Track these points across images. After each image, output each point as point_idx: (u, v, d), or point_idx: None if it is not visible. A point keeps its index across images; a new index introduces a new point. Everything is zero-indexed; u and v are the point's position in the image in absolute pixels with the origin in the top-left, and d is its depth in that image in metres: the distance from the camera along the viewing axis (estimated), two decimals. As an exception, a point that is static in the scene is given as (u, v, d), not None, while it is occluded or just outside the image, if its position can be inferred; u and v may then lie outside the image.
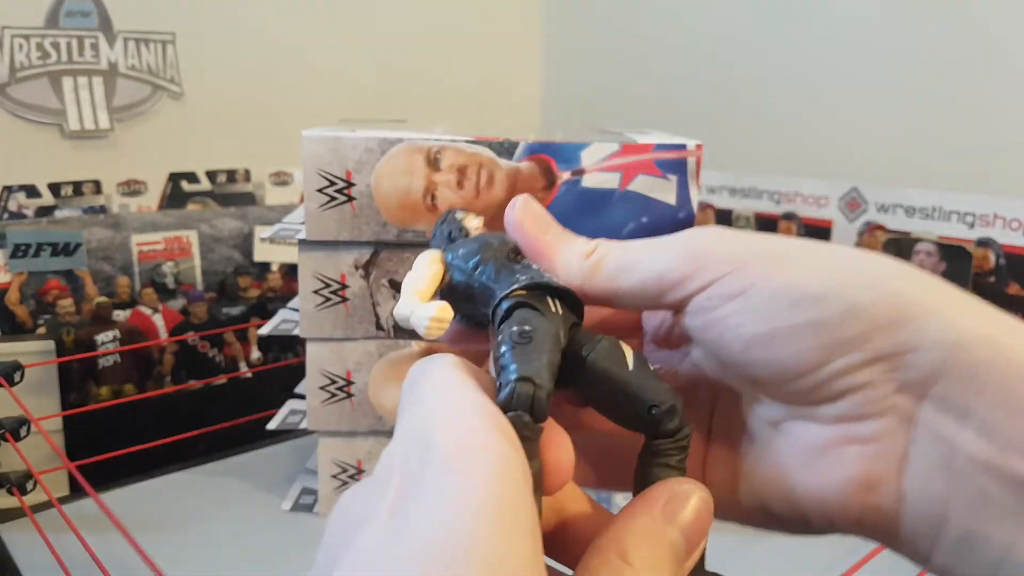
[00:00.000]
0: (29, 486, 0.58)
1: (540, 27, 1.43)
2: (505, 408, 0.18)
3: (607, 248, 0.24)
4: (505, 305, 0.21)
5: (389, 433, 0.60)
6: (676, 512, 0.19)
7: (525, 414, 0.18)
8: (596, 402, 0.22)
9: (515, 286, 0.22)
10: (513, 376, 0.18)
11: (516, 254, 0.25)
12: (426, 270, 0.24)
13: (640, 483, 0.21)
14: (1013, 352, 0.18)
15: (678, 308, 0.22)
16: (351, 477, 0.61)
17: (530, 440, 0.18)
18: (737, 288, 0.20)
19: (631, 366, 0.21)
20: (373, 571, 0.14)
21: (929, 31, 0.96)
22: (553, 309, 0.21)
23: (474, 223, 0.27)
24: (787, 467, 0.22)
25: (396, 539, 0.15)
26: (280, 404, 0.66)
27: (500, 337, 0.20)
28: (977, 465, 0.18)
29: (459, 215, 0.27)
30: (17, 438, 0.58)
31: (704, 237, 0.22)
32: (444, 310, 0.22)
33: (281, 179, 1.08)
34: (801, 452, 0.21)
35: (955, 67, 0.94)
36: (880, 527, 0.20)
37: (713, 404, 0.25)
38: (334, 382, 0.59)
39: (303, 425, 0.62)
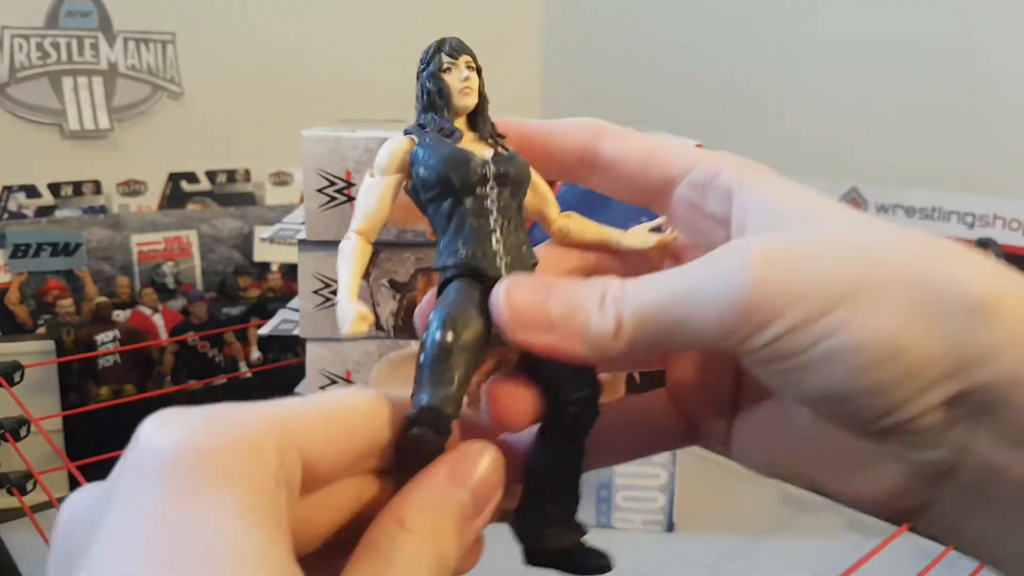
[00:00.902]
0: (29, 486, 0.58)
1: (540, 27, 1.43)
2: (411, 425, 0.19)
3: (632, 305, 0.19)
4: (443, 277, 0.21)
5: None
6: (464, 473, 0.19)
7: (428, 432, 0.19)
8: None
9: (450, 263, 0.21)
10: (423, 402, 0.19)
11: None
12: (378, 190, 0.22)
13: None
14: None
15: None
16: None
17: (435, 445, 0.19)
18: (809, 342, 0.18)
19: None
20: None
21: (929, 31, 0.96)
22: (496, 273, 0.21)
23: (459, 80, 0.22)
24: (821, 464, 0.21)
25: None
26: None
27: (422, 337, 0.20)
28: (1021, 489, 0.18)
29: (445, 62, 0.23)
30: (17, 438, 0.58)
31: (771, 271, 0.18)
32: (361, 320, 0.20)
33: (281, 179, 1.08)
34: (841, 458, 0.21)
35: (955, 68, 0.94)
36: (904, 519, 0.21)
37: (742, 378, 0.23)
38: (334, 382, 0.59)
39: (303, 425, 0.62)
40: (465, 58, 0.23)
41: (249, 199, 1.06)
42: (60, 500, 0.54)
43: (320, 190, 0.55)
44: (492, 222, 0.21)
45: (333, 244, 0.56)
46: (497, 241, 0.21)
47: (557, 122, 0.24)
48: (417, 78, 0.23)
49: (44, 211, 0.92)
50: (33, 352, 0.73)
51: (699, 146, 0.56)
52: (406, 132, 0.23)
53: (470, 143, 0.22)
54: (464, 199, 0.21)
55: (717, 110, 1.18)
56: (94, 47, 0.96)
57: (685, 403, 0.25)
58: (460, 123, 0.23)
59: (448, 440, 0.20)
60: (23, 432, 0.59)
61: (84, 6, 0.94)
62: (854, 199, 1.00)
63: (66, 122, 0.95)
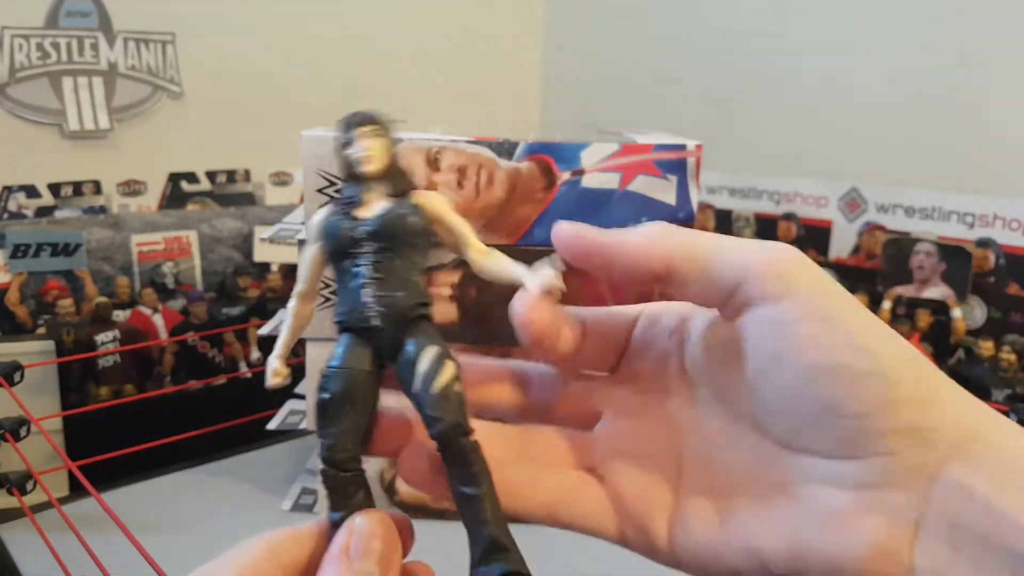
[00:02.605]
0: (29, 486, 0.58)
1: (540, 27, 1.43)
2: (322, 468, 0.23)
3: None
4: (336, 326, 0.25)
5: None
6: (356, 545, 0.22)
7: (331, 470, 0.23)
8: None
9: (335, 319, 0.25)
10: (320, 452, 0.23)
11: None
12: (308, 257, 0.26)
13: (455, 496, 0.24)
14: (1010, 448, 0.21)
15: (740, 309, 0.23)
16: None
17: (342, 480, 0.23)
18: (818, 314, 0.21)
19: (417, 384, 0.23)
20: None
21: (929, 32, 0.96)
22: (375, 323, 0.24)
23: (359, 151, 0.25)
24: (799, 528, 0.22)
25: None
26: (280, 404, 0.66)
27: (318, 388, 0.24)
28: (979, 540, 0.19)
29: (345, 138, 0.25)
30: (17, 438, 0.58)
31: (782, 250, 0.23)
32: (274, 375, 0.26)
33: (281, 179, 1.08)
34: (817, 516, 0.22)
35: (955, 68, 0.94)
36: None
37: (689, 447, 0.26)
38: (334, 382, 0.59)
39: (303, 425, 0.62)
40: (364, 128, 0.25)
41: (249, 199, 1.06)
42: (60, 500, 0.54)
43: (320, 190, 0.55)
44: (364, 280, 0.24)
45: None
46: (370, 296, 0.24)
47: (622, 237, 0.25)
48: None
49: (44, 211, 0.92)
50: (33, 352, 0.73)
51: (699, 146, 0.56)
52: (331, 199, 0.26)
53: (372, 203, 0.25)
54: (342, 262, 0.25)
55: (717, 110, 1.18)
56: (94, 47, 0.96)
57: (624, 502, 0.26)
58: (372, 186, 0.25)
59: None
60: (23, 432, 0.59)
61: (84, 6, 0.94)
62: (854, 199, 1.01)
63: (66, 122, 0.95)
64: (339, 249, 0.25)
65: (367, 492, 0.24)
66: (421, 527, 0.25)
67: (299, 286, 0.27)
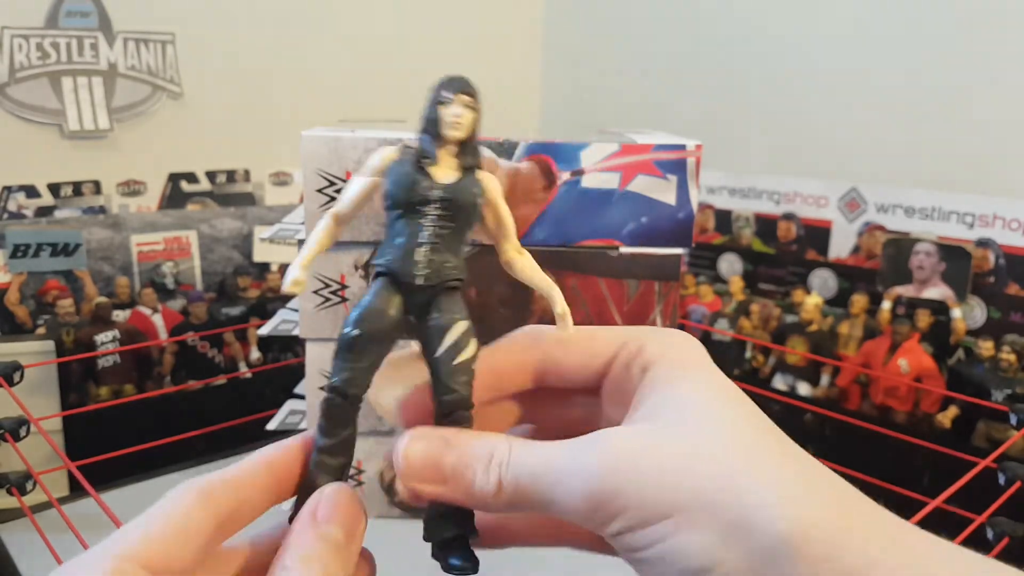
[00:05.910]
0: (28, 486, 0.58)
1: (540, 27, 1.43)
2: (326, 395, 0.25)
3: (512, 474, 0.22)
4: (374, 272, 0.26)
5: (389, 433, 0.60)
6: (324, 511, 0.22)
7: (337, 398, 0.24)
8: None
9: (379, 262, 0.26)
10: (332, 382, 0.25)
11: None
12: (358, 186, 0.27)
13: None
14: None
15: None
16: (350, 477, 0.61)
17: (343, 410, 0.25)
18: (646, 541, 0.21)
19: (441, 351, 0.25)
20: None
21: (929, 32, 0.96)
22: (419, 282, 0.25)
23: (451, 115, 0.25)
24: None
25: None
26: (280, 404, 0.66)
27: (340, 329, 0.25)
28: None
29: (444, 96, 0.26)
30: (17, 438, 0.58)
31: (616, 476, 0.21)
32: (294, 284, 0.25)
33: (281, 179, 1.08)
34: None
35: (955, 68, 0.94)
36: None
37: None
38: (334, 382, 0.59)
39: (303, 425, 0.62)
40: (463, 97, 0.26)
41: (249, 199, 1.06)
42: (60, 500, 0.54)
43: (320, 190, 0.55)
44: (423, 237, 0.25)
45: (333, 244, 0.56)
46: (422, 254, 0.25)
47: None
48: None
49: (44, 211, 0.92)
50: (33, 352, 0.73)
51: (699, 146, 0.56)
52: (404, 145, 0.26)
53: (443, 168, 0.25)
54: (406, 214, 0.25)
55: (717, 110, 1.18)
56: (94, 47, 0.96)
57: None
58: (447, 149, 0.26)
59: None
60: (23, 432, 0.59)
61: (84, 6, 0.94)
62: (853, 199, 1.01)
63: (66, 122, 0.95)
64: (408, 201, 0.25)
65: (355, 429, 0.25)
66: (418, 527, 0.25)
67: (339, 207, 0.27)
